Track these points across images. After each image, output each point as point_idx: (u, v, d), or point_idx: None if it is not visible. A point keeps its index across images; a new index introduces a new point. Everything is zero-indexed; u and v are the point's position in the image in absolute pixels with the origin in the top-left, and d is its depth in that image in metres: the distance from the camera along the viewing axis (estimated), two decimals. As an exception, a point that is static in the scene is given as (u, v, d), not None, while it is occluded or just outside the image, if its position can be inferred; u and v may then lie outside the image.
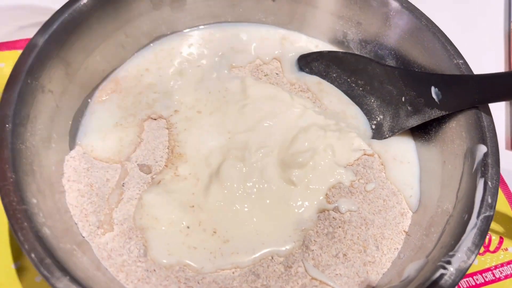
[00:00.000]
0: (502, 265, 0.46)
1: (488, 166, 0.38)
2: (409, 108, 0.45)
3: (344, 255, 0.41)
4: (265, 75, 0.52)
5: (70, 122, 0.44)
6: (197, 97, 0.48)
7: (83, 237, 0.39)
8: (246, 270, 0.39)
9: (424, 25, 0.45)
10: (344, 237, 0.42)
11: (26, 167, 0.36)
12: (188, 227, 0.40)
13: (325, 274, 0.39)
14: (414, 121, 0.45)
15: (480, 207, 0.36)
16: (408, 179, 0.46)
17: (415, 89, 0.44)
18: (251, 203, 0.42)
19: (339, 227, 0.42)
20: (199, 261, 0.39)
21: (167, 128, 0.46)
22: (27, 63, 0.38)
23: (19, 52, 0.55)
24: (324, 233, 0.42)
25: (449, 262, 0.34)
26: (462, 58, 0.43)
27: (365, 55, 0.51)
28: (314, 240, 0.41)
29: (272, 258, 0.40)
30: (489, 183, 0.37)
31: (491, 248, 0.47)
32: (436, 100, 0.42)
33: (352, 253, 0.41)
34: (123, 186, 0.42)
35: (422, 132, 0.47)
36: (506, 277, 0.46)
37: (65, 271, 0.31)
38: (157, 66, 0.50)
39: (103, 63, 0.47)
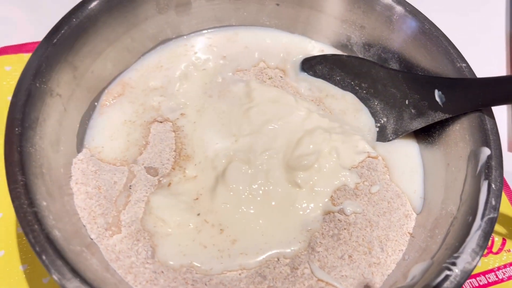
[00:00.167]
0: (505, 266, 0.47)
1: (492, 169, 0.38)
2: (412, 111, 0.46)
3: (350, 256, 0.41)
4: (269, 78, 0.52)
5: (78, 125, 0.44)
6: (202, 100, 0.49)
7: (92, 239, 0.39)
8: (252, 272, 0.40)
9: (427, 28, 0.46)
10: (350, 239, 0.42)
11: (36, 170, 0.36)
12: (196, 228, 0.41)
13: (331, 276, 0.40)
14: (418, 124, 0.45)
15: (484, 209, 0.36)
16: (412, 181, 0.46)
17: (419, 92, 0.45)
18: (257, 205, 0.43)
19: (344, 229, 0.43)
20: (208, 262, 0.39)
21: (174, 131, 0.47)
22: (36, 67, 0.39)
23: (25, 55, 0.56)
24: (330, 235, 0.42)
25: (454, 264, 0.34)
26: (465, 61, 0.44)
27: (368, 59, 0.52)
28: (320, 242, 0.42)
29: (278, 259, 0.40)
30: (493, 185, 0.37)
31: (494, 249, 0.48)
32: (440, 103, 0.43)
33: (358, 255, 0.41)
34: (130, 188, 0.43)
35: (426, 134, 0.47)
36: (509, 278, 0.46)
37: (76, 272, 0.32)
38: (162, 70, 0.50)
39: (109, 67, 0.47)
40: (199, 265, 0.39)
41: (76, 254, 0.34)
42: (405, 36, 0.48)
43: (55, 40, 0.40)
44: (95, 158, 0.43)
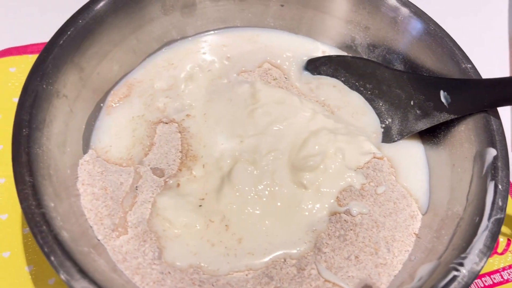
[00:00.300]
0: (510, 267, 0.47)
1: (498, 169, 0.38)
2: (418, 111, 0.46)
3: (356, 257, 0.41)
4: (274, 79, 0.52)
5: (83, 126, 0.44)
6: (208, 101, 0.49)
7: (98, 240, 0.39)
8: (259, 273, 0.40)
9: (432, 29, 0.46)
10: (356, 240, 0.42)
11: (43, 171, 0.36)
12: (202, 228, 0.41)
13: (337, 276, 0.40)
14: (423, 125, 0.46)
15: (491, 210, 0.37)
16: (418, 182, 0.46)
17: (424, 93, 0.45)
18: (263, 206, 0.43)
19: (351, 229, 0.43)
20: (215, 262, 0.39)
21: (180, 132, 0.47)
22: (42, 68, 0.39)
23: (30, 56, 0.56)
24: (336, 235, 0.42)
25: (461, 264, 0.35)
26: (471, 62, 0.44)
27: (373, 60, 0.52)
28: (326, 243, 0.42)
29: (285, 260, 0.40)
30: (500, 186, 0.38)
31: (499, 250, 0.48)
32: (445, 104, 0.43)
33: (364, 256, 0.41)
34: (136, 189, 0.43)
35: (431, 135, 0.47)
36: (515, 278, 0.46)
37: (84, 273, 0.32)
38: (168, 71, 0.50)
39: (115, 68, 0.47)
40: (206, 266, 0.39)
41: (84, 255, 0.34)
42: (410, 37, 0.48)
43: (61, 42, 0.40)
44: (101, 159, 0.44)
